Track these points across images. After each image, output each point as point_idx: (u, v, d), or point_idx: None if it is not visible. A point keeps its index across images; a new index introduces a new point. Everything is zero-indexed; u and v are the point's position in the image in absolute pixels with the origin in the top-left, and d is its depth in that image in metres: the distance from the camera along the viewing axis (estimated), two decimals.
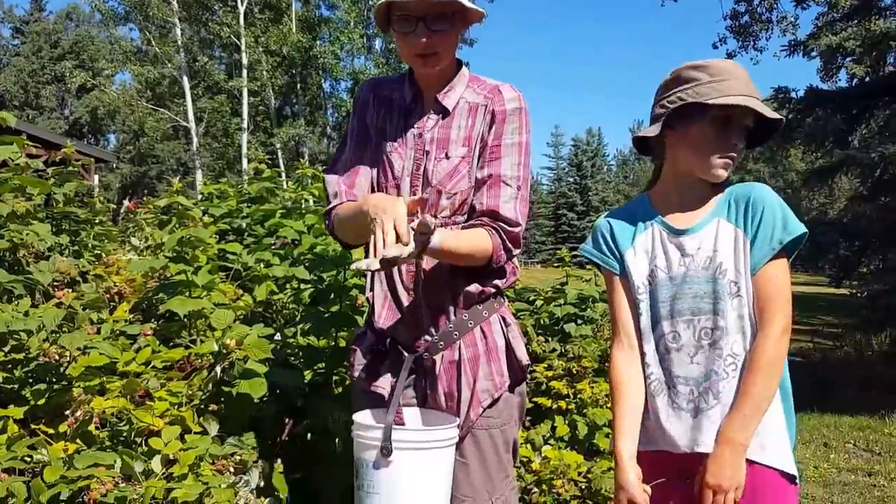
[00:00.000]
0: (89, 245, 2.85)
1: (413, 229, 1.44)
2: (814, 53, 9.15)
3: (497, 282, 1.75)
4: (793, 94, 9.26)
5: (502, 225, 1.67)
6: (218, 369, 2.15)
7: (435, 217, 1.61)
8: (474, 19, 1.71)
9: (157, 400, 2.01)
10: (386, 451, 1.51)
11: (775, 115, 1.53)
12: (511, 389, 1.75)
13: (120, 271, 2.65)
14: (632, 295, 1.63)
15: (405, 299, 1.73)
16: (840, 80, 10.92)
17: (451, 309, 1.72)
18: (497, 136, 1.71)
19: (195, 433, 2.00)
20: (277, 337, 2.63)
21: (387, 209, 1.45)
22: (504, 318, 1.78)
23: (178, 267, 2.39)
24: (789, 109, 9.25)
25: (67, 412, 1.90)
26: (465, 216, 1.71)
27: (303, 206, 3.19)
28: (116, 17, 24.60)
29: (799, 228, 1.49)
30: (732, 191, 1.58)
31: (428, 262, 1.70)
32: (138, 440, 1.95)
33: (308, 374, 2.57)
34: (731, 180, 1.61)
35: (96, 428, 1.92)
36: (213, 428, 2.06)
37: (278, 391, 2.44)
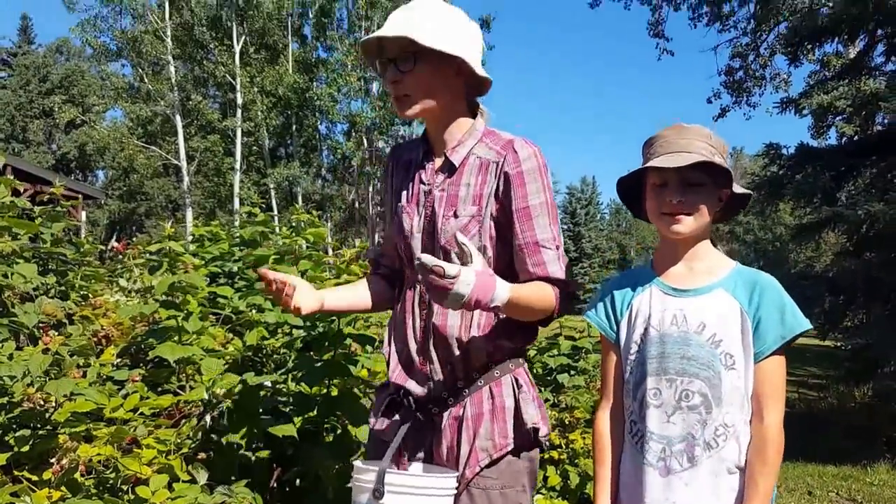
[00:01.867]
0: (76, 286, 2.81)
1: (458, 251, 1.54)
2: (805, 111, 9.34)
3: (509, 343, 1.73)
4: (784, 151, 9.44)
5: (557, 283, 1.67)
6: (207, 418, 2.12)
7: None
8: (474, 79, 1.72)
9: (145, 447, 1.98)
10: (378, 493, 1.53)
11: (683, 163, 1.52)
12: (516, 453, 1.70)
13: (108, 313, 2.61)
14: (623, 357, 1.67)
15: (417, 358, 1.74)
16: (830, 137, 11.17)
17: (463, 367, 1.71)
18: (521, 198, 1.67)
19: (183, 482, 1.97)
20: (268, 383, 2.59)
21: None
22: (517, 380, 1.73)
23: (169, 312, 2.36)
24: (780, 165, 9.42)
25: (52, 459, 1.87)
26: None
27: (296, 251, 3.17)
28: (108, 52, 24.41)
29: (799, 326, 1.52)
30: (741, 270, 1.61)
31: (440, 320, 1.70)
32: (125, 488, 1.92)
33: (299, 422, 2.53)
34: (735, 250, 1.64)
35: (82, 475, 1.89)
36: (202, 476, 2.03)
37: (268, 439, 2.40)
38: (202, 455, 2.09)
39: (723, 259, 1.65)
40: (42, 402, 1.99)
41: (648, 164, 1.57)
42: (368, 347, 2.65)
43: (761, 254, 42.89)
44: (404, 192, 1.80)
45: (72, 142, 45.13)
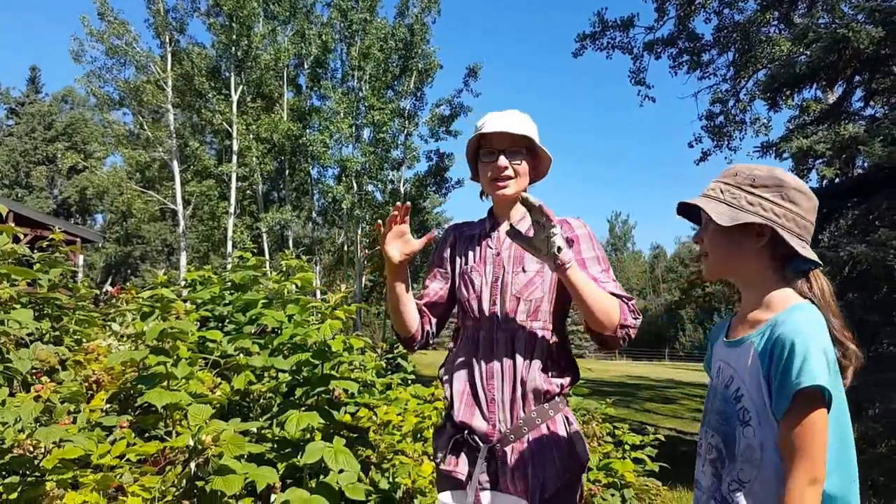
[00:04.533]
0: (71, 330, 2.86)
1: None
2: (785, 155, 9.50)
3: (560, 381, 1.99)
4: None
5: (623, 299, 1.94)
6: (192, 464, 2.16)
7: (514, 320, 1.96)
8: (544, 165, 2.09)
9: (131, 495, 2.01)
10: None
11: (687, 202, 1.62)
12: (570, 482, 1.95)
13: (99, 358, 2.66)
14: None
15: (483, 396, 1.98)
16: (811, 181, 11.33)
17: (522, 406, 1.95)
18: (577, 252, 2.02)
19: None
20: (254, 430, 2.63)
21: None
22: (567, 418, 2.00)
23: (158, 358, 2.41)
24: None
25: None
26: (541, 322, 1.98)
27: (285, 295, 3.24)
28: (111, 101, 24.95)
29: (809, 379, 1.37)
30: (778, 319, 1.48)
31: (507, 363, 1.97)
32: None
33: (282, 467, 2.57)
34: (803, 290, 1.57)
35: None
36: None
37: (251, 487, 2.43)
38: (186, 502, 2.13)
39: (780, 306, 1.53)
40: (31, 449, 2.02)
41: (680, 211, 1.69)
42: (354, 390, 2.70)
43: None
44: (473, 258, 2.11)
45: (73, 187, 45.80)
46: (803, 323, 1.44)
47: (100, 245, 39.46)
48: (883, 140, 7.67)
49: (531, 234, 1.96)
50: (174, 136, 24.69)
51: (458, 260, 2.17)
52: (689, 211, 1.70)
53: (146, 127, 24.63)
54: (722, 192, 1.57)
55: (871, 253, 7.25)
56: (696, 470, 1.64)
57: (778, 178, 1.55)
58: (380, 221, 1.95)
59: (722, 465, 1.53)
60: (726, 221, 1.52)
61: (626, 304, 1.94)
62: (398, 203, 1.94)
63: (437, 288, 2.19)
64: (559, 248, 1.77)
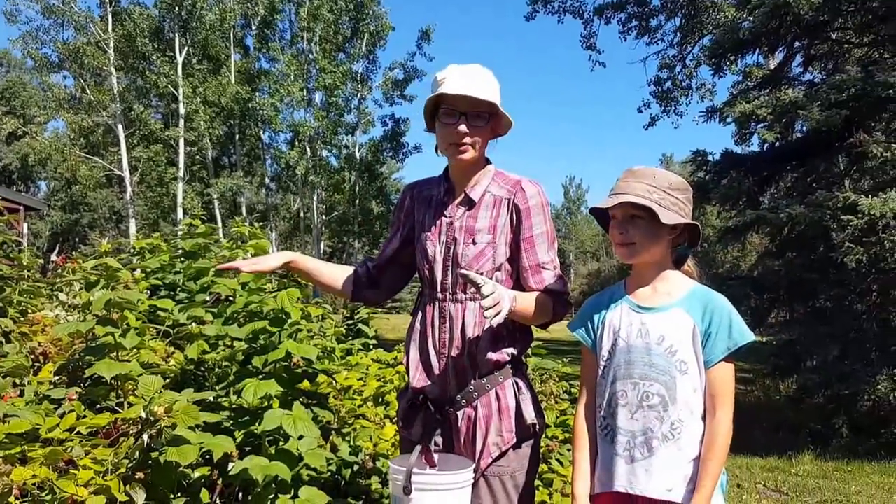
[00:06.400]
0: (14, 301, 2.75)
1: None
2: (729, 119, 9.71)
3: (512, 350, 2.05)
4: (710, 157, 9.86)
5: (556, 295, 2.04)
6: (145, 436, 2.10)
7: (465, 293, 2.02)
8: (504, 126, 2.07)
9: (82, 468, 1.95)
10: (407, 490, 1.85)
11: (608, 204, 1.84)
12: (519, 444, 2.03)
13: (46, 329, 2.56)
14: (598, 362, 1.95)
15: (435, 364, 2.05)
16: (753, 144, 11.63)
17: (473, 373, 2.02)
18: (527, 228, 2.04)
19: (121, 503, 1.94)
20: (210, 399, 2.58)
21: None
22: (517, 384, 2.06)
23: (106, 329, 2.34)
24: (707, 171, 9.81)
25: None
26: None
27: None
28: (50, 64, 24.09)
29: (743, 338, 1.79)
30: (696, 291, 1.88)
31: (457, 332, 2.02)
32: None
33: (240, 436, 2.53)
34: (689, 272, 1.97)
35: (16, 499, 1.84)
36: (140, 497, 2.00)
37: (209, 455, 2.39)
38: (140, 474, 2.07)
39: (683, 282, 1.92)
40: None
41: (592, 206, 1.91)
42: (313, 357, 2.67)
43: (692, 254, 43.96)
44: (427, 224, 2.13)
45: (13, 153, 43.70)
46: (723, 297, 1.85)
47: (45, 213, 38.03)
48: (821, 105, 7.89)
49: (485, 198, 2.06)
50: (118, 99, 23.92)
51: (415, 223, 2.20)
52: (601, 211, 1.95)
53: (88, 90, 23.78)
54: (650, 192, 1.81)
55: (809, 214, 7.51)
56: (617, 418, 1.85)
57: (685, 183, 1.90)
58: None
59: (665, 409, 1.80)
60: (669, 221, 1.80)
61: (559, 299, 2.05)
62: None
63: (388, 248, 2.27)
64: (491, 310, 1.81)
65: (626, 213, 1.85)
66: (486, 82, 1.99)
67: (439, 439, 2.10)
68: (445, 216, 2.09)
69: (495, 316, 1.81)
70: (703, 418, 1.81)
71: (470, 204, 2.07)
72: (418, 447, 2.00)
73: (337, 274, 2.25)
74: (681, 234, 1.91)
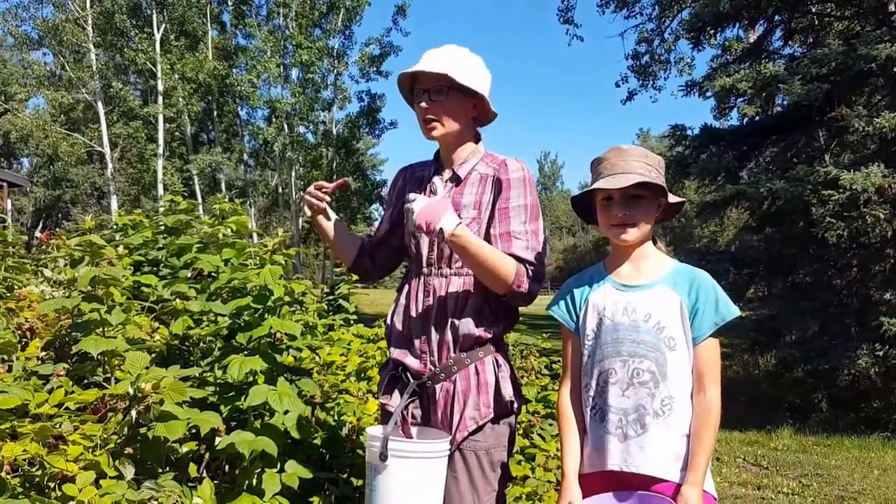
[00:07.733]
0: (0, 277, 2.75)
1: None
2: (708, 93, 9.72)
3: (494, 328, 2.06)
4: (689, 132, 9.91)
5: (522, 261, 1.98)
6: (133, 412, 2.13)
7: (450, 267, 2.05)
8: (482, 102, 2.07)
9: (71, 444, 1.97)
10: (383, 456, 1.87)
11: (626, 184, 1.79)
12: (496, 420, 2.04)
13: (32, 305, 2.57)
14: (581, 343, 1.94)
15: (416, 337, 2.08)
16: (732, 118, 11.70)
17: (453, 347, 2.04)
18: (504, 200, 2.04)
19: (111, 478, 1.97)
20: (196, 375, 2.61)
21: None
22: (497, 360, 2.08)
23: (91, 305, 2.35)
24: (685, 146, 9.86)
25: None
26: None
27: (220, 239, 3.17)
28: (30, 41, 24.02)
29: (730, 313, 1.81)
30: (679, 269, 1.90)
31: (440, 307, 2.04)
32: (52, 486, 1.91)
33: (226, 411, 2.57)
34: (661, 249, 1.96)
35: (7, 474, 1.87)
36: (129, 472, 2.04)
37: (196, 429, 2.42)
38: (129, 450, 2.10)
39: (664, 259, 1.93)
40: None
41: (594, 187, 1.85)
42: (296, 332, 2.70)
43: (668, 230, 44.40)
44: None
45: None
46: (707, 273, 1.87)
47: (28, 189, 37.69)
48: (802, 78, 7.92)
49: (472, 175, 2.09)
50: (97, 76, 23.86)
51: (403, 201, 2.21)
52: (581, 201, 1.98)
53: (68, 67, 23.75)
54: (650, 171, 1.83)
55: (789, 189, 7.56)
56: (607, 397, 1.84)
57: (661, 160, 1.92)
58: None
59: (656, 385, 1.80)
60: (675, 199, 1.88)
61: (527, 268, 1.97)
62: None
63: (381, 228, 2.32)
64: (415, 223, 1.86)
65: (626, 193, 1.83)
66: (445, 58, 2.03)
67: (417, 412, 2.12)
68: (434, 193, 2.13)
69: (423, 231, 1.86)
70: (691, 395, 1.81)
71: (457, 181, 2.12)
72: (396, 414, 2.03)
73: (350, 239, 2.33)
74: (663, 211, 1.93)
